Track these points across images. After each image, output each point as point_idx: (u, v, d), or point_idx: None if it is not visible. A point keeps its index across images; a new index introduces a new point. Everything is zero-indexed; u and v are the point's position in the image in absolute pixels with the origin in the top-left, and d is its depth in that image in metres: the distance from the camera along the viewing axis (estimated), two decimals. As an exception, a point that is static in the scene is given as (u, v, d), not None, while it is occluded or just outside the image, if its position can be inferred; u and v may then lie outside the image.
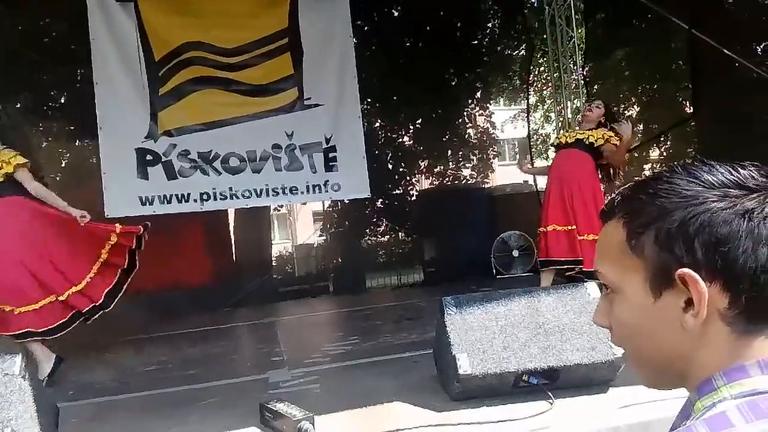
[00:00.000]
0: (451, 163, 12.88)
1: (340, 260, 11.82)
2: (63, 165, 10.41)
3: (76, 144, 9.69)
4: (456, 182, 12.61)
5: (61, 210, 3.62)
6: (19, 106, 8.07)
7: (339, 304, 7.49)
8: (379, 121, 11.41)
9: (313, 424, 2.14)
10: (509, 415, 2.23)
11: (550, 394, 2.34)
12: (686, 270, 0.60)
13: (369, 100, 9.74)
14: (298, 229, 22.48)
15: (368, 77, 7.38)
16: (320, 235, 14.45)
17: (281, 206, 15.06)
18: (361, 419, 2.33)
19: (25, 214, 3.55)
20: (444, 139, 11.99)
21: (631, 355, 0.69)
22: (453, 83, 11.10)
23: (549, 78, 11.62)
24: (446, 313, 2.47)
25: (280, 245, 17.92)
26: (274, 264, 12.00)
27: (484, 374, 2.36)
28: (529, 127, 10.67)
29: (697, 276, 0.60)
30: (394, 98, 10.58)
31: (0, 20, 7.75)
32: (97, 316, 3.70)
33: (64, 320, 3.54)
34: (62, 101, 8.98)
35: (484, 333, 2.46)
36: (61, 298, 3.55)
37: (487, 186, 12.29)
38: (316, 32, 6.36)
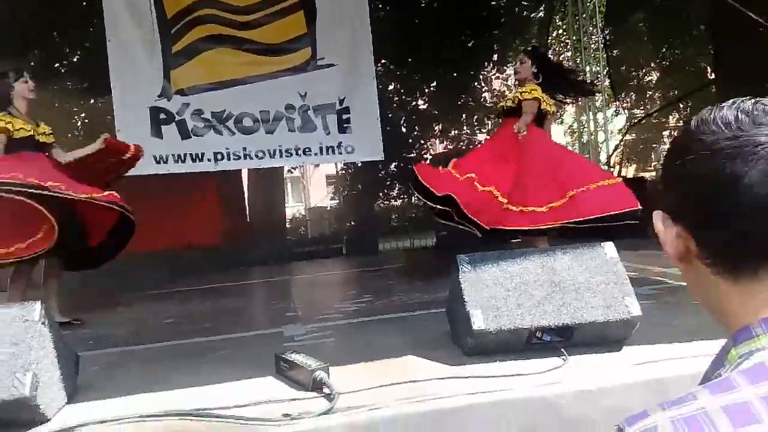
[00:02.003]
0: (465, 127, 12.76)
1: (353, 223, 11.88)
2: (78, 124, 10.43)
3: (90, 102, 9.69)
4: (471, 146, 12.50)
5: None
6: (33, 64, 8.04)
7: (352, 265, 7.53)
8: (393, 83, 11.28)
9: (327, 374, 2.17)
10: (521, 369, 2.25)
11: (563, 350, 2.35)
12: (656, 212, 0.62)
13: (383, 61, 9.60)
14: (311, 192, 22.59)
15: (382, 39, 7.25)
16: (333, 198, 14.49)
17: (294, 168, 15.06)
18: (374, 371, 2.35)
19: None
20: (459, 103, 11.85)
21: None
22: (469, 45, 10.88)
23: (568, 41, 11.37)
24: (461, 270, 2.47)
25: (293, 208, 18.03)
26: (287, 226, 12.10)
27: (498, 330, 2.37)
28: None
29: (657, 216, 0.62)
30: (409, 60, 10.43)
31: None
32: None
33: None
34: (75, 60, 8.93)
35: (498, 290, 2.46)
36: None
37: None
38: None
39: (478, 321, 2.37)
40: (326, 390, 2.11)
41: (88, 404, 2.25)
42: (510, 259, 2.55)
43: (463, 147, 12.74)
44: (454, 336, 2.72)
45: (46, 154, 4.00)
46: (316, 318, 3.65)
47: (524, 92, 4.14)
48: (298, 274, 6.84)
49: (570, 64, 8.15)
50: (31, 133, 3.89)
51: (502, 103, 4.52)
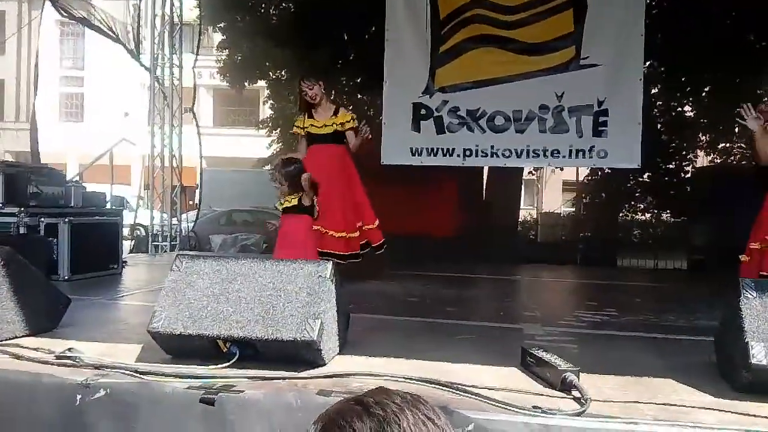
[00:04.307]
0: (739, 140, 11.11)
1: (588, 233, 11.28)
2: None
3: (358, 97, 10.82)
4: (743, 162, 10.88)
5: None
6: (319, 60, 9.21)
7: (587, 275, 7.19)
8: (658, 86, 10.30)
9: (578, 378, 2.15)
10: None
11: None
12: None
13: (649, 62, 8.84)
14: (545, 197, 22.00)
15: (651, 36, 6.68)
16: (572, 205, 13.93)
17: (536, 170, 14.82)
18: (627, 385, 2.26)
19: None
20: (735, 112, 10.32)
21: None
22: (756, 47, 9.41)
23: None
24: (744, 296, 2.22)
25: (524, 211, 17.79)
26: (518, 229, 12.03)
27: (783, 370, 2.08)
28: None
29: None
30: (680, 61, 9.41)
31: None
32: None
33: (353, 252, 4.58)
34: (351, 57, 10.02)
35: (789, 325, 2.15)
36: (353, 235, 4.64)
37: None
38: None
39: (759, 355, 2.11)
40: (576, 393, 2.09)
41: (354, 358, 2.59)
42: (808, 292, 2.20)
43: (733, 161, 11.16)
44: (721, 368, 2.46)
45: (345, 141, 4.82)
46: (556, 322, 3.60)
47: None
48: (531, 276, 6.78)
49: None
50: (321, 130, 4.73)
51: None
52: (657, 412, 1.99)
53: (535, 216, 16.95)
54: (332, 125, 4.72)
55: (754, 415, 1.97)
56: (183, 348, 2.47)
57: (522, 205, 17.77)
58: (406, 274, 5.74)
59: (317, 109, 4.78)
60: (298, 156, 4.83)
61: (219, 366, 2.29)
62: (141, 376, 2.21)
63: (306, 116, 4.80)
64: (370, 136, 4.88)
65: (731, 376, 2.30)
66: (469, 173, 8.69)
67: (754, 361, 2.10)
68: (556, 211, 17.32)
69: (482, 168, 9.42)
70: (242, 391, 2.05)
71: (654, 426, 1.86)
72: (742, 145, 11.09)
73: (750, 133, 3.92)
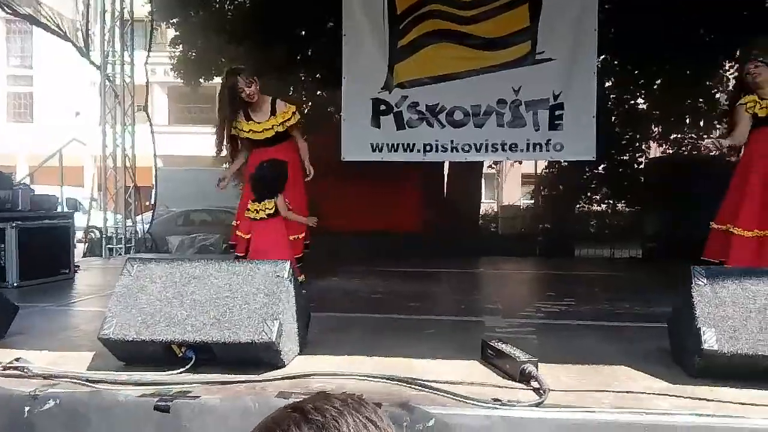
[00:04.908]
0: (690, 131, 11.45)
1: (548, 225, 11.46)
2: (305, 112, 11.55)
3: (317, 93, 10.69)
4: (694, 152, 11.21)
5: None
6: (277, 56, 9.07)
7: (547, 266, 7.32)
8: (611, 79, 10.51)
9: (536, 368, 2.17)
10: (758, 399, 2.00)
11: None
12: None
13: (603, 56, 9.02)
14: (505, 190, 22.34)
15: (604, 31, 6.81)
16: (531, 198, 14.13)
17: (496, 164, 14.97)
18: (584, 375, 2.29)
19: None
20: (686, 104, 10.65)
21: None
22: (706, 40, 9.70)
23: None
24: (695, 282, 2.28)
25: (485, 204, 18.00)
26: (480, 222, 12.14)
27: (733, 354, 2.15)
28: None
29: None
30: (632, 55, 9.64)
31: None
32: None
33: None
34: (309, 53, 9.89)
35: (737, 310, 2.22)
36: (296, 237, 4.29)
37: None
38: None
39: (710, 341, 2.17)
40: (535, 384, 2.11)
41: (315, 357, 2.55)
42: (755, 277, 2.28)
43: (685, 152, 11.51)
44: (674, 353, 2.52)
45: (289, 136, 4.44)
46: (517, 314, 3.65)
47: None
48: (492, 269, 6.86)
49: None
50: (261, 135, 4.31)
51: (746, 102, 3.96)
52: (613, 399, 2.03)
53: (495, 209, 17.14)
54: (272, 128, 4.31)
55: (706, 399, 2.02)
56: (136, 354, 2.39)
57: (483, 199, 17.98)
58: (369, 270, 5.73)
59: (254, 107, 4.32)
60: (240, 161, 4.49)
61: (174, 372, 2.23)
62: (92, 384, 2.13)
63: (243, 117, 4.33)
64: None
65: (684, 361, 2.36)
66: (430, 168, 8.72)
67: (705, 346, 2.16)
68: (515, 204, 17.56)
69: (443, 163, 9.47)
70: (198, 397, 2.00)
71: (609, 414, 1.90)
72: (693, 135, 11.44)
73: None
